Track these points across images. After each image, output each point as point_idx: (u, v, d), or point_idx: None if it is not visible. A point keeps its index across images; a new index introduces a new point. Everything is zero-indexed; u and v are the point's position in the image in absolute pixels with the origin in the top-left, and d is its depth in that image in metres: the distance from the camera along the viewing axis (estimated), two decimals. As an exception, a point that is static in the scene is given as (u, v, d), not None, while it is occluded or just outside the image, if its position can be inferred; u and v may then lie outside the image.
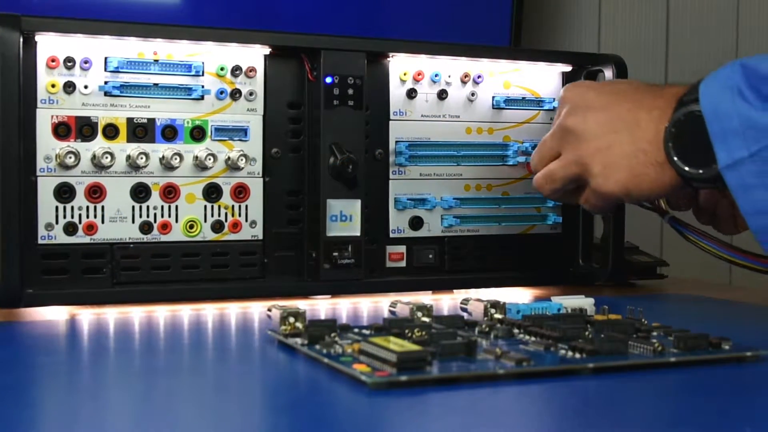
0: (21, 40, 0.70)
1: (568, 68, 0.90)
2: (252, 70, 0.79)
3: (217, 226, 0.78)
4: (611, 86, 0.77)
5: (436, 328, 0.59)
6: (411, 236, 0.85)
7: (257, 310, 0.75)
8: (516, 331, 0.61)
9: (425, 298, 0.84)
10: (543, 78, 0.90)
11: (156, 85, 0.76)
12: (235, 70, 0.78)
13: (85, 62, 0.74)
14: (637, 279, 0.94)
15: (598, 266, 0.90)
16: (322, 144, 0.80)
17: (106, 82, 0.75)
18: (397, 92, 0.84)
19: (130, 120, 0.76)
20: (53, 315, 0.72)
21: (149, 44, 0.76)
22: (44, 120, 0.73)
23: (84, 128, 0.74)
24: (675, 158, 0.68)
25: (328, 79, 0.80)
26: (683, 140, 0.67)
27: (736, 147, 0.64)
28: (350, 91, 0.80)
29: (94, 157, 0.74)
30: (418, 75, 0.84)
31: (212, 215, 0.78)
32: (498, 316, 0.65)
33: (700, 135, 0.65)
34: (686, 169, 0.67)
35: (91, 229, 0.74)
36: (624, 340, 0.56)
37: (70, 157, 0.73)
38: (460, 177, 0.87)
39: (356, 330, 0.60)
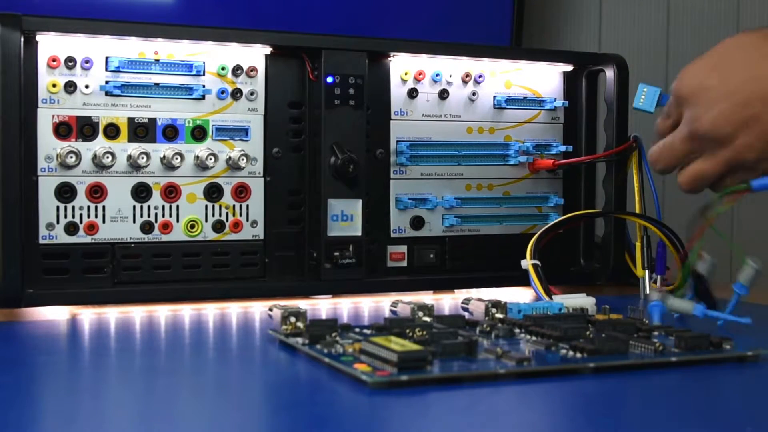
0: (22, 39, 0.70)
1: (569, 68, 0.90)
2: (253, 69, 0.79)
3: (218, 226, 0.78)
4: (721, 59, 0.74)
5: (437, 328, 0.59)
6: (412, 236, 0.85)
7: (258, 309, 0.75)
8: (517, 330, 0.61)
9: (426, 297, 0.84)
10: (544, 77, 0.90)
11: (157, 84, 0.76)
12: (236, 70, 0.78)
13: (86, 62, 0.74)
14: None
15: (600, 266, 0.90)
16: (323, 144, 0.80)
17: (107, 82, 0.75)
18: (398, 92, 0.84)
19: (131, 120, 0.76)
20: (54, 315, 0.72)
21: (150, 44, 0.76)
22: (45, 120, 0.73)
23: (85, 128, 0.74)
24: None
25: (329, 79, 0.79)
26: None
27: None
28: (351, 91, 0.80)
29: (95, 156, 0.74)
30: (419, 74, 0.84)
31: (213, 215, 0.78)
32: (499, 315, 0.65)
33: None
34: None
35: (92, 228, 0.75)
36: (625, 339, 0.56)
37: (71, 157, 0.73)
38: (461, 177, 0.86)
39: (357, 329, 0.60)
